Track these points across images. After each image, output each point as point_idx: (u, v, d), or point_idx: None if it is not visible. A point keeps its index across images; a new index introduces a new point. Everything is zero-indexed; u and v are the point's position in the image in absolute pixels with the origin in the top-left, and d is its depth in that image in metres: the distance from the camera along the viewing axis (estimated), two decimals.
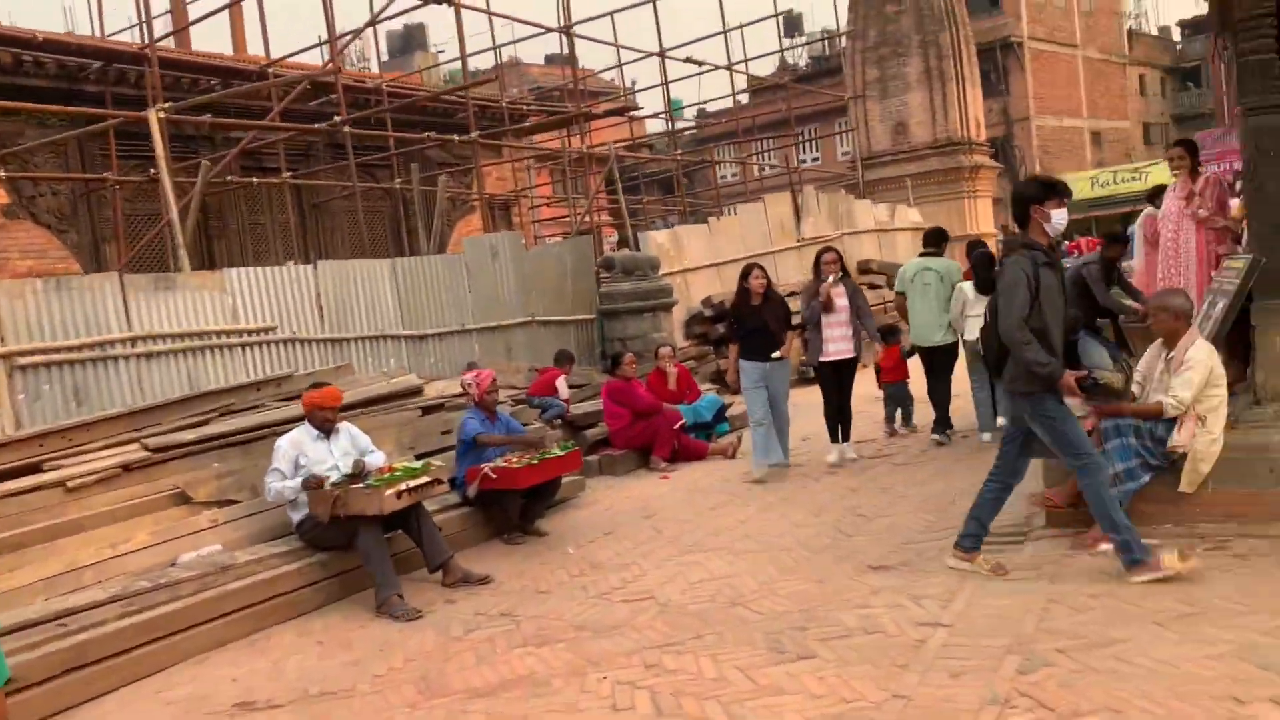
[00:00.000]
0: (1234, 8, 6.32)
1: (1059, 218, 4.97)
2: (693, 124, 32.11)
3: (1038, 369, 4.78)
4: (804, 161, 20.71)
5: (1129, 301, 9.69)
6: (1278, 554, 4.99)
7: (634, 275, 12.30)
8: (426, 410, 7.90)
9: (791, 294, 14.99)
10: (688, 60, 16.27)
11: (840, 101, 26.10)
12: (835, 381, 8.18)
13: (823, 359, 8.05)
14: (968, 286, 8.59)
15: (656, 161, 27.84)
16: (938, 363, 8.94)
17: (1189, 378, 5.32)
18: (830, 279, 7.80)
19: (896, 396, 9.66)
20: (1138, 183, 38.37)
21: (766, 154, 30.72)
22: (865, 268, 18.27)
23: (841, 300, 7.85)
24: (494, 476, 6.71)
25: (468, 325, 10.57)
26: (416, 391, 8.06)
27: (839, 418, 8.36)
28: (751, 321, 7.87)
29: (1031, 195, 4.98)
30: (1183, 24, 55.14)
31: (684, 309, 13.63)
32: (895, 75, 24.11)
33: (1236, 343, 6.12)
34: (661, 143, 30.11)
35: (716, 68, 17.26)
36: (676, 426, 9.22)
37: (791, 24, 45.37)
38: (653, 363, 10.68)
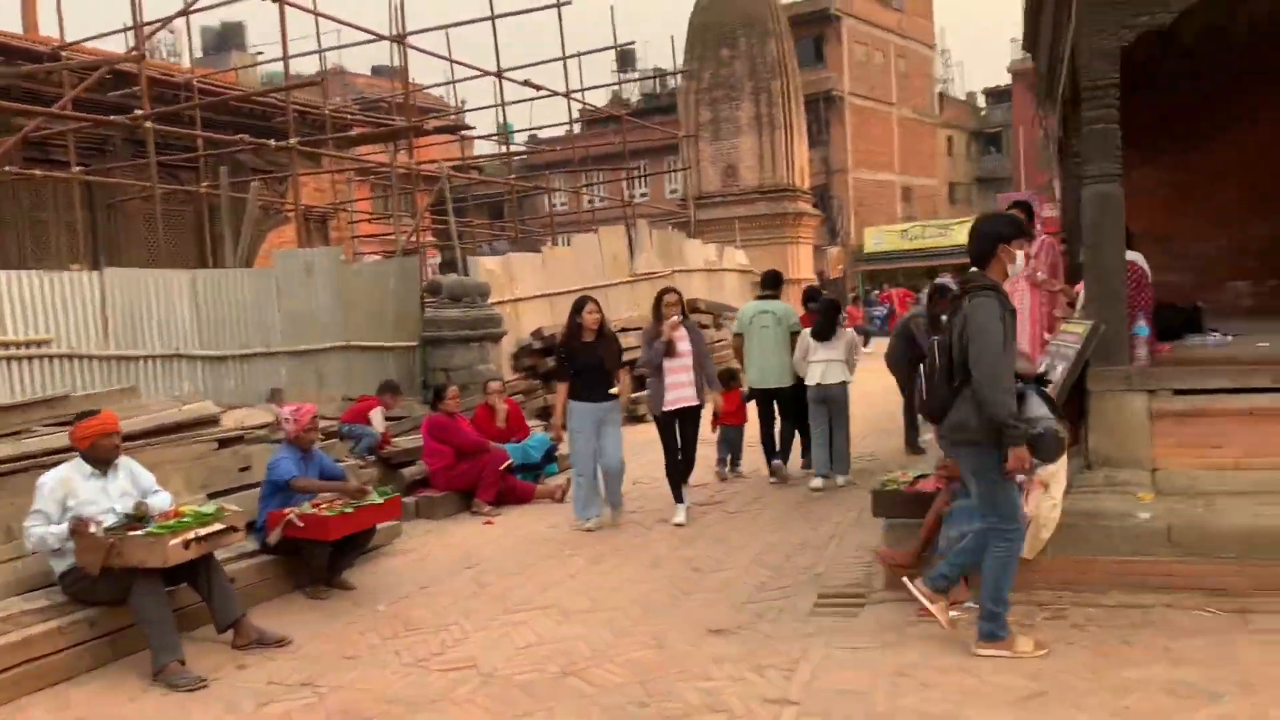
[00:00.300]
0: (1077, 77, 6.46)
1: (1021, 259, 4.80)
2: (525, 149, 31.71)
3: (1009, 422, 4.43)
4: (634, 197, 20.60)
5: None
6: (1113, 624, 4.97)
7: (462, 302, 11.72)
8: (224, 443, 7.11)
9: (623, 330, 14.76)
10: (525, 83, 15.86)
11: (671, 139, 26.28)
12: (676, 431, 7.74)
13: (665, 408, 7.58)
14: (808, 332, 8.65)
15: (486, 184, 27.24)
16: (783, 405, 8.96)
17: None
18: (673, 320, 7.48)
19: (731, 440, 9.51)
20: (944, 238, 40.59)
21: (598, 186, 30.71)
22: (694, 307, 18.26)
23: (684, 344, 7.51)
24: (301, 524, 6.02)
25: (275, 347, 9.72)
26: (212, 421, 7.25)
27: (683, 472, 7.87)
28: (583, 359, 7.42)
29: (1003, 233, 4.70)
30: (987, 92, 59.30)
31: (513, 340, 13.14)
32: (728, 118, 24.53)
33: (1069, 407, 6.17)
34: (490, 165, 29.55)
35: (555, 93, 16.91)
36: (503, 467, 8.72)
37: (625, 58, 45.80)
38: (478, 396, 10.15)
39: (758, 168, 24.31)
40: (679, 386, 7.47)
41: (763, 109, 24.13)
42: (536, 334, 13.43)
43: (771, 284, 9.30)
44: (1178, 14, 5.77)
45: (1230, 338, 7.17)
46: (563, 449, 10.09)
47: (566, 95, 17.15)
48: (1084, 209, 6.17)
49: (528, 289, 13.79)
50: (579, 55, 17.41)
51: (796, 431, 9.28)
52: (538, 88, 16.28)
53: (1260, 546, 5.11)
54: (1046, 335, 7.22)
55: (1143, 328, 6.23)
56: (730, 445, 9.52)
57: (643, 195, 37.90)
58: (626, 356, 9.13)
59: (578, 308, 7.49)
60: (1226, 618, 4.91)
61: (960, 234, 40.74)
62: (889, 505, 5.80)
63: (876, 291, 30.59)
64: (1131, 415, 5.82)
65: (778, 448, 9.22)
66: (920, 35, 48.50)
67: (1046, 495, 5.32)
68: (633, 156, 24.16)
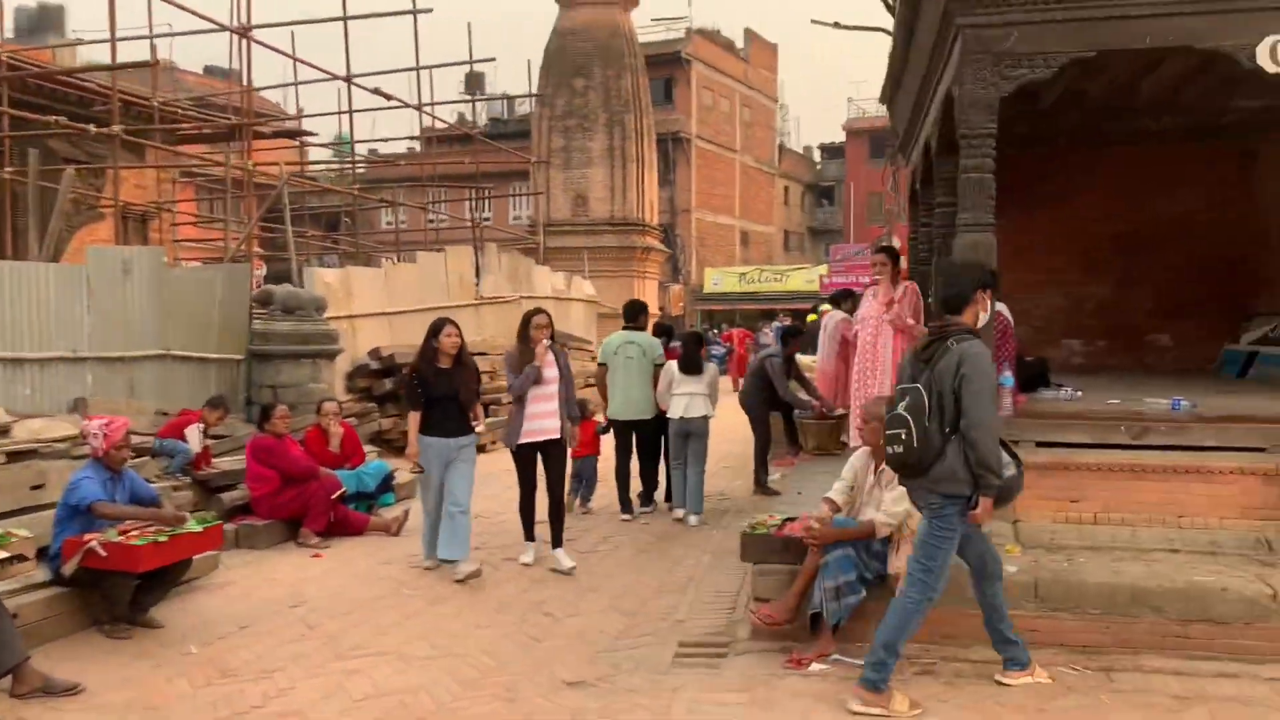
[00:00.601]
0: (949, 127, 6.50)
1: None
2: (366, 161, 30.64)
3: (997, 471, 4.29)
4: (480, 219, 20.05)
5: (805, 396, 9.98)
6: (983, 680, 4.86)
7: (296, 314, 10.95)
8: (13, 456, 6.24)
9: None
10: (376, 91, 15.19)
11: (518, 165, 25.94)
12: (536, 465, 7.17)
13: (524, 439, 7.03)
14: (674, 366, 8.60)
15: (323, 194, 26.12)
16: (643, 438, 8.87)
17: (900, 493, 5.15)
18: (545, 344, 6.99)
19: (585, 473, 9.17)
20: (779, 283, 41.79)
21: (441, 205, 29.95)
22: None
23: (551, 370, 7.06)
24: (104, 554, 5.27)
25: (81, 352, 8.75)
26: (2, 431, 6.36)
27: (555, 514, 7.23)
28: (439, 388, 6.75)
29: (980, 280, 4.57)
30: (822, 148, 61.57)
31: (349, 359, 12.39)
32: (580, 147, 24.38)
33: None
34: (325, 177, 28.41)
35: (405, 105, 16.28)
36: (335, 496, 8.06)
37: (474, 81, 45.12)
38: (309, 417, 9.44)
39: (608, 199, 24.24)
40: (542, 417, 6.97)
41: (615, 141, 24.11)
42: (374, 354, 12.73)
43: (634, 315, 9.18)
44: (1056, 69, 5.85)
45: (1080, 393, 7.33)
46: (401, 477, 9.53)
47: (418, 108, 16.55)
48: (955, 256, 6.16)
49: (367, 305, 13.08)
50: (432, 68, 16.86)
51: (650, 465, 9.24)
52: (388, 97, 15.63)
53: (1120, 603, 5.12)
54: None
55: (1008, 378, 6.25)
56: (583, 479, 9.18)
57: (485, 219, 37.36)
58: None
59: (435, 330, 6.86)
60: (1093, 675, 4.87)
61: (795, 281, 41.91)
62: (759, 550, 5.56)
63: (715, 330, 31.02)
64: None
65: (644, 484, 9.14)
66: (764, 87, 49.89)
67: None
68: (480, 179, 23.70)
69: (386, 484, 9.04)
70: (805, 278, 41.34)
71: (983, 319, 4.58)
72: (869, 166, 53.46)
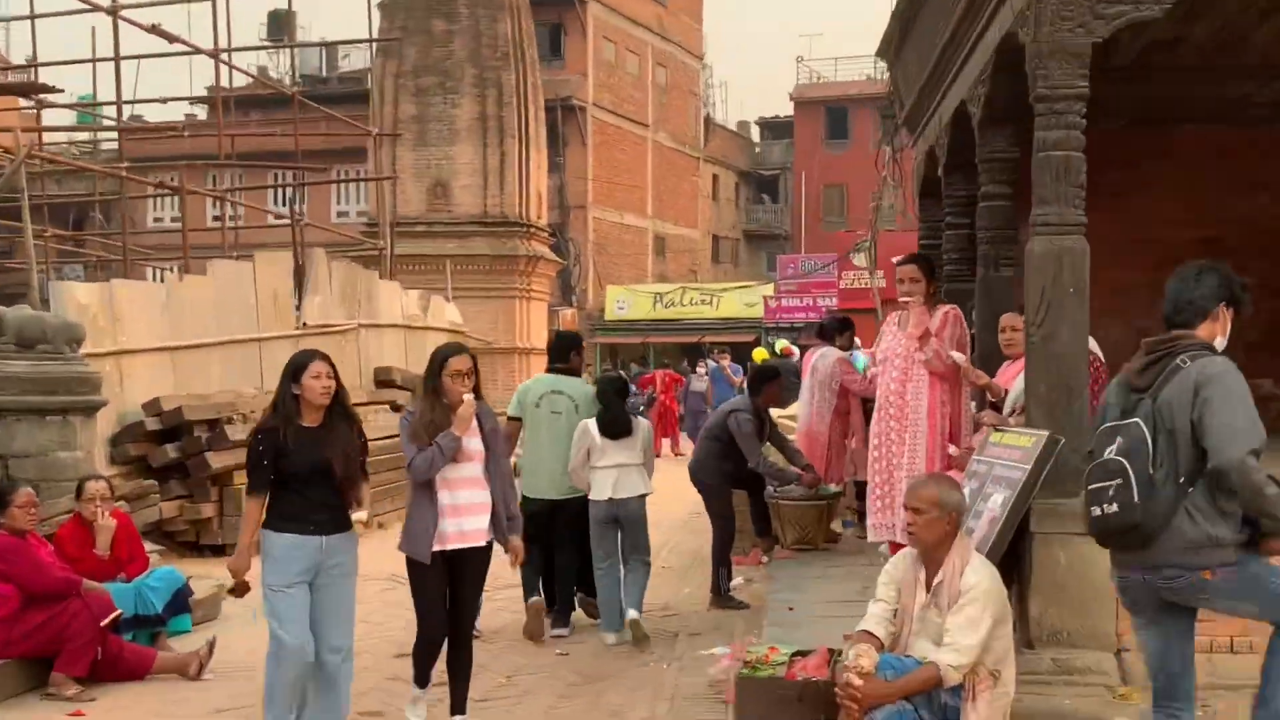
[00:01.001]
0: (1008, 84, 6.38)
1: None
2: (132, 129, 29.55)
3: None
4: (299, 214, 19.33)
5: (786, 466, 9.77)
6: None
7: (36, 350, 10.22)
8: None
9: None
10: (154, 29, 14.56)
11: (347, 141, 25.24)
12: (444, 585, 6.45)
13: (438, 546, 6.30)
14: (592, 427, 8.37)
15: (63, 178, 25.17)
16: (564, 526, 8.67)
17: (972, 617, 4.96)
18: (469, 401, 6.29)
19: None
20: (708, 307, 42.01)
21: (235, 196, 29.15)
22: (385, 378, 17.39)
23: (476, 441, 6.41)
24: None
25: None
26: None
27: (460, 662, 6.55)
28: (303, 458, 5.90)
29: (1225, 289, 4.50)
30: (762, 124, 62.06)
31: (114, 414, 11.69)
32: (440, 117, 24.05)
33: (1004, 558, 5.92)
34: (70, 152, 27.41)
35: (198, 50, 15.67)
36: (105, 622, 7.45)
37: (278, 24, 44.35)
38: (61, 501, 8.82)
39: (479, 189, 23.84)
40: (463, 512, 6.27)
41: (490, 108, 23.76)
42: (152, 407, 12.06)
43: (563, 353, 9.02)
44: (1169, 4, 5.78)
45: None
46: (201, 588, 8.96)
47: (215, 54, 15.97)
48: (1031, 269, 6.02)
49: (140, 337, 12.41)
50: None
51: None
52: (170, 38, 15.02)
53: None
54: (953, 448, 7.00)
55: None
56: None
57: (299, 217, 36.51)
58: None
59: (295, 369, 5.94)
60: None
61: (731, 304, 42.30)
62: (765, 701, 5.22)
63: (626, 372, 30.76)
64: (1092, 573, 5.62)
65: (561, 595, 8.88)
66: (685, 40, 50.17)
67: (999, 687, 4.98)
68: (278, 158, 23.10)
69: (180, 602, 8.43)
70: (744, 300, 41.70)
71: (1220, 343, 4.46)
72: (826, 150, 54.30)
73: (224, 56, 16.66)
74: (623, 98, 44.84)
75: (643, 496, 8.51)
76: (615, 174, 43.96)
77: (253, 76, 22.07)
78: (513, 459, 8.19)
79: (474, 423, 6.27)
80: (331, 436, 5.92)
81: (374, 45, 23.83)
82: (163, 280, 13.27)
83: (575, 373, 9.04)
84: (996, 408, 7.06)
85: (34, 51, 18.70)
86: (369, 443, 6.42)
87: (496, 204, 24.06)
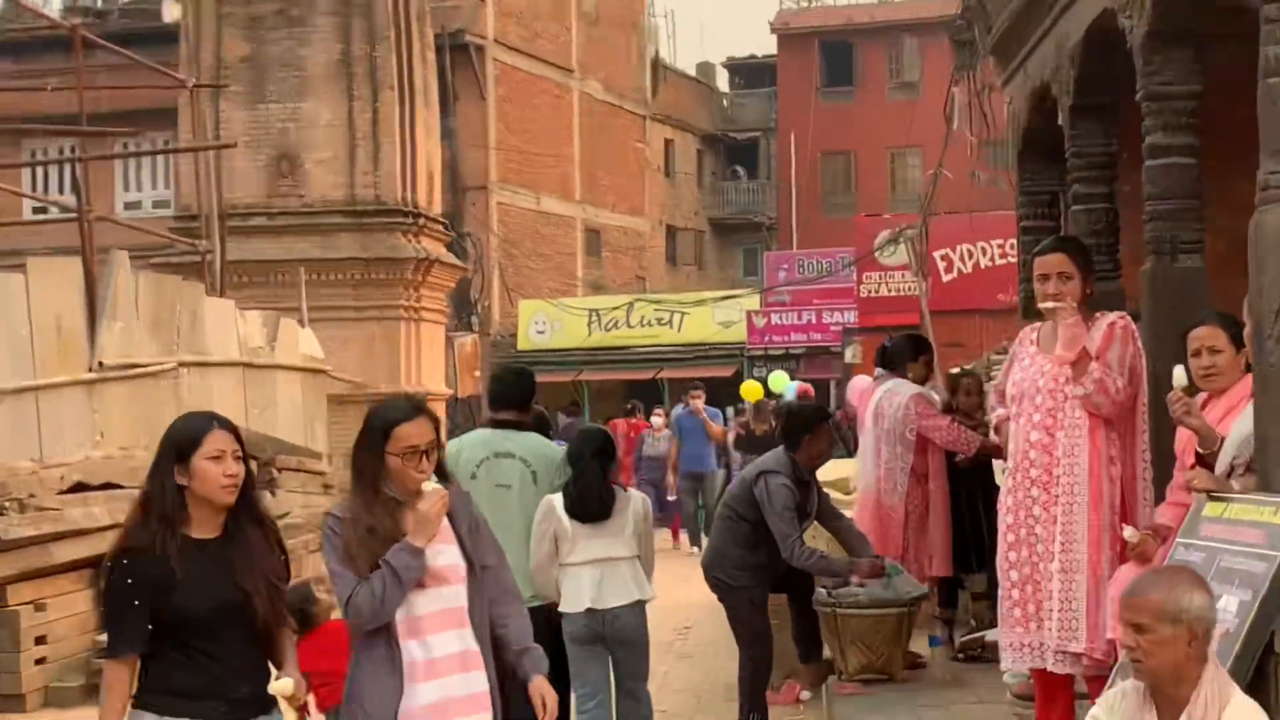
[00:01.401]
0: None
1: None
2: None
3: None
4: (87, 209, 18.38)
5: (844, 557, 9.18)
6: None
7: None
8: None
9: (76, 488, 12.87)
10: None
11: (142, 99, 24.25)
12: None
13: None
14: (558, 502, 8.02)
15: None
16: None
17: None
18: (437, 493, 5.49)
19: None
20: (667, 329, 41.08)
21: None
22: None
23: (449, 553, 5.54)
24: None
25: None
26: None
27: None
28: (196, 592, 5.04)
29: None
30: (732, 66, 61.28)
31: None
32: (285, 60, 23.27)
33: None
34: None
35: None
36: None
37: None
38: None
39: (344, 164, 23.02)
40: (445, 670, 5.42)
41: (356, 48, 22.92)
42: None
43: (516, 397, 8.47)
44: None
45: None
46: None
47: None
48: (1263, 253, 5.46)
49: None
50: None
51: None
52: None
53: None
54: (1129, 529, 6.39)
55: None
56: None
57: (86, 209, 35.34)
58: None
59: (183, 445, 5.18)
60: None
61: (700, 324, 41.66)
62: None
63: (569, 418, 29.61)
64: None
65: None
66: None
67: None
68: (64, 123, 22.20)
69: None
70: (719, 317, 40.79)
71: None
72: (823, 102, 53.73)
73: None
74: (536, 32, 43.82)
75: (639, 604, 8.16)
76: (528, 141, 43.00)
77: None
78: None
79: (444, 524, 5.49)
80: (242, 555, 5.12)
81: None
82: None
83: (529, 427, 8.48)
84: (1207, 464, 6.47)
85: None
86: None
87: (369, 184, 23.27)
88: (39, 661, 11.55)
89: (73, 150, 20.05)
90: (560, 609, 8.05)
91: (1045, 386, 6.84)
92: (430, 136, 24.59)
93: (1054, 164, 10.29)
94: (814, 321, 38.68)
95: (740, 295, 42.70)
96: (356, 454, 5.46)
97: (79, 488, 12.96)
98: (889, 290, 31.27)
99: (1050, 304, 6.84)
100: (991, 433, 9.82)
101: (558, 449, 8.53)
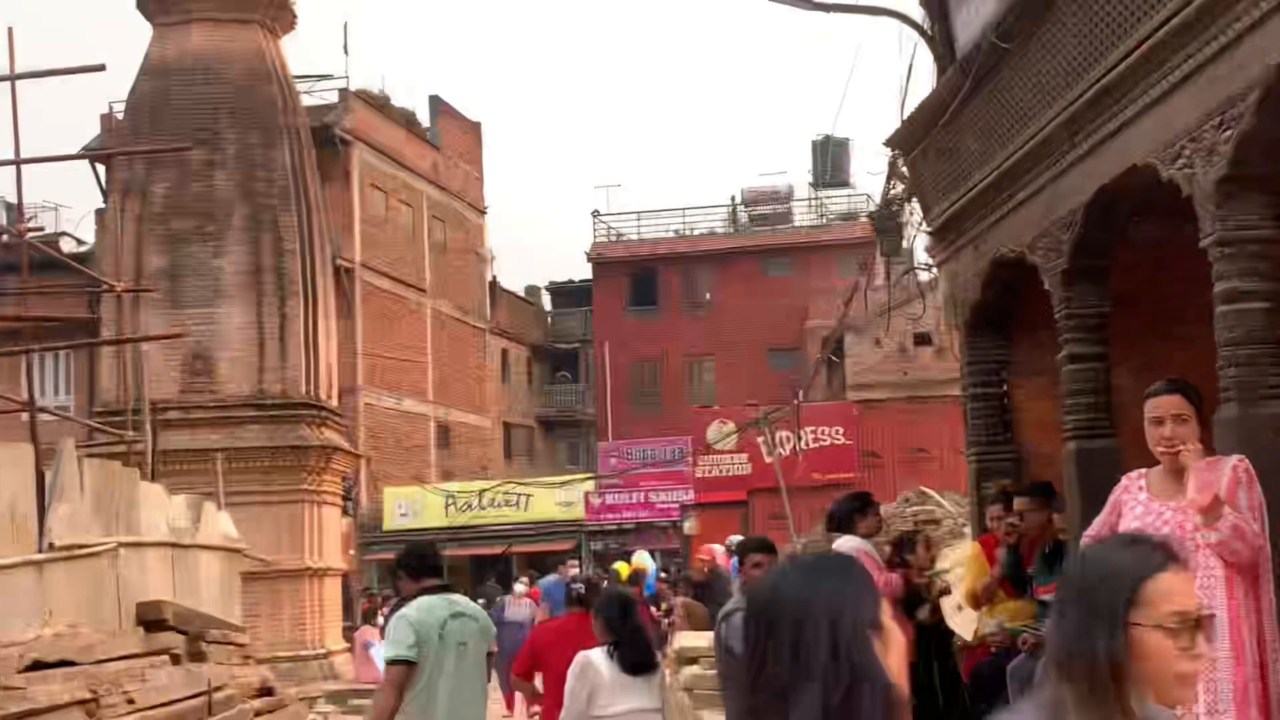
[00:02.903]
0: None
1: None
2: None
3: None
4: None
5: None
6: None
7: None
8: None
9: (33, 666, 10.89)
10: None
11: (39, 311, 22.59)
12: None
13: None
14: (596, 657, 7.39)
15: None
16: None
17: None
18: None
19: None
20: (514, 509, 39.53)
21: None
22: (155, 616, 14.52)
23: None
24: None
25: None
26: None
27: None
28: None
29: None
30: (556, 289, 60.35)
31: None
32: (200, 269, 21.53)
33: None
34: None
35: None
36: None
37: None
38: None
39: (254, 363, 21.25)
40: None
41: (266, 258, 21.32)
42: None
43: (436, 564, 7.73)
44: None
45: None
46: None
47: None
48: None
49: None
50: None
51: None
52: None
53: None
54: None
55: None
56: None
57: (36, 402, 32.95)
58: None
59: None
60: None
61: (543, 504, 40.08)
62: None
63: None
64: None
65: None
66: (465, 189, 48.58)
67: None
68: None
69: None
70: (558, 499, 39.43)
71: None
72: (631, 316, 52.94)
73: None
74: (396, 258, 42.59)
75: None
76: (391, 349, 41.44)
77: None
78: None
79: None
80: None
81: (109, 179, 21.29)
82: None
83: (453, 589, 7.77)
84: None
85: None
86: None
87: (276, 380, 21.51)
88: None
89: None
90: None
91: (1172, 535, 5.46)
92: (330, 339, 22.98)
93: (1000, 334, 9.20)
94: (644, 500, 37.62)
95: (579, 479, 41.48)
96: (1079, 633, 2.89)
97: (36, 666, 10.97)
98: (720, 471, 30.00)
99: (1168, 448, 5.50)
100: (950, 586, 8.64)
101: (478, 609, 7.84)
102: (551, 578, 22.23)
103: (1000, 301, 8.91)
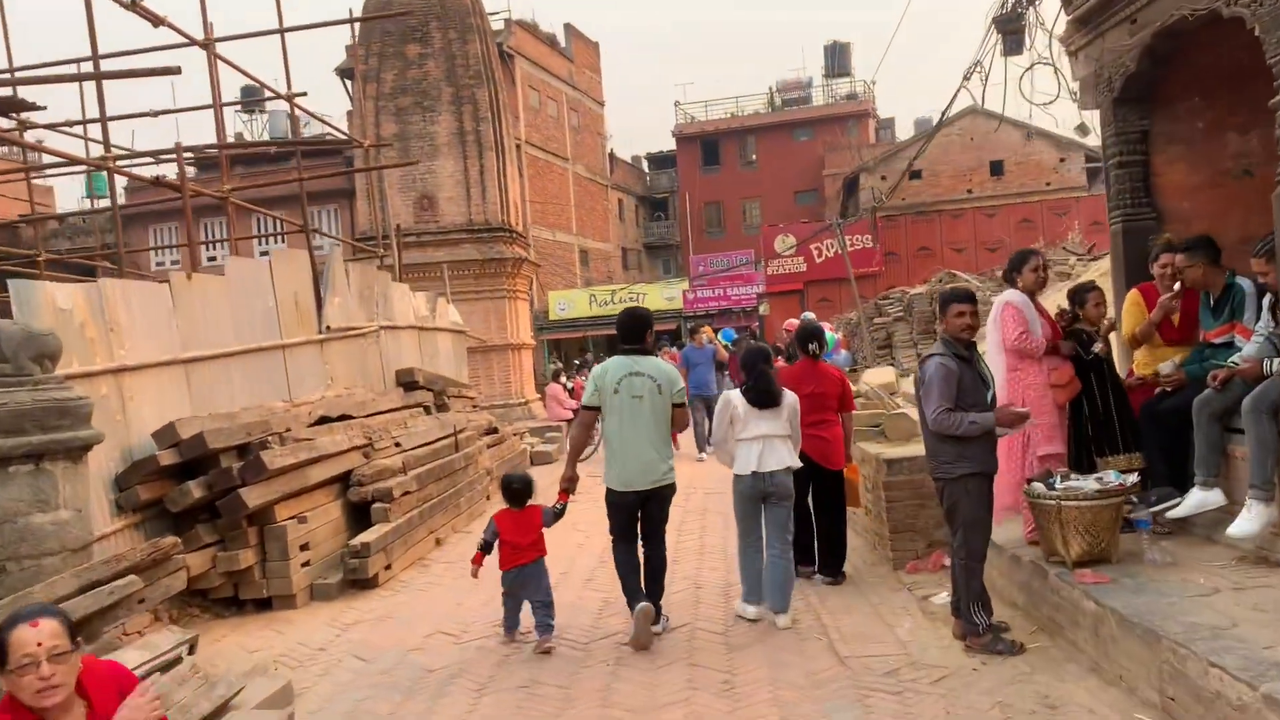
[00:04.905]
0: None
1: None
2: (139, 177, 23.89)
3: None
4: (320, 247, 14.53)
5: (980, 414, 5.45)
6: None
7: None
8: None
9: (321, 420, 8.80)
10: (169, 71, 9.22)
11: (326, 184, 20.48)
12: None
13: None
14: (735, 398, 6.33)
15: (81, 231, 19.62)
16: (650, 515, 6.07)
17: None
18: None
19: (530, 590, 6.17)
20: (636, 303, 37.21)
21: (218, 246, 23.75)
22: (408, 380, 12.47)
23: None
24: None
25: None
26: None
27: None
28: None
29: None
30: (650, 158, 57.71)
31: (116, 450, 6.72)
32: (421, 134, 18.97)
33: None
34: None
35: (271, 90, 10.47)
36: None
37: (251, 93, 38.58)
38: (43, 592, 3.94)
39: (463, 199, 18.87)
40: None
41: (467, 123, 18.75)
42: (166, 436, 7.07)
43: (637, 332, 6.19)
44: None
45: None
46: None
47: (289, 98, 10.81)
48: None
49: (145, 349, 7.39)
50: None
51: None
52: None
53: None
54: None
55: None
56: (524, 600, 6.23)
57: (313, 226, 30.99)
58: None
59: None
60: None
61: (654, 298, 37.55)
62: None
63: (568, 371, 25.42)
64: None
65: (650, 587, 6.11)
66: (590, 90, 45.62)
67: None
68: (280, 204, 17.97)
69: None
70: (664, 294, 37.10)
71: None
72: (703, 175, 50.33)
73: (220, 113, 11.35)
74: (547, 137, 39.90)
75: (790, 470, 6.21)
76: (547, 200, 39.01)
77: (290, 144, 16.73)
78: (590, 449, 6.57)
79: None
80: None
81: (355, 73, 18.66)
82: (177, 279, 8.17)
83: (649, 352, 6.23)
84: None
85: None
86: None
87: (480, 212, 19.12)
88: (304, 565, 7.42)
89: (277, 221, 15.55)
90: (734, 471, 6.22)
91: None
92: (515, 182, 20.47)
93: (1142, 106, 6.54)
94: (723, 295, 35.04)
95: (676, 282, 39.05)
96: None
97: (322, 421, 8.86)
98: (783, 270, 27.28)
99: None
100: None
101: (672, 370, 6.23)
102: (689, 345, 19.80)
103: (1148, 74, 6.26)
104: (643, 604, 5.80)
